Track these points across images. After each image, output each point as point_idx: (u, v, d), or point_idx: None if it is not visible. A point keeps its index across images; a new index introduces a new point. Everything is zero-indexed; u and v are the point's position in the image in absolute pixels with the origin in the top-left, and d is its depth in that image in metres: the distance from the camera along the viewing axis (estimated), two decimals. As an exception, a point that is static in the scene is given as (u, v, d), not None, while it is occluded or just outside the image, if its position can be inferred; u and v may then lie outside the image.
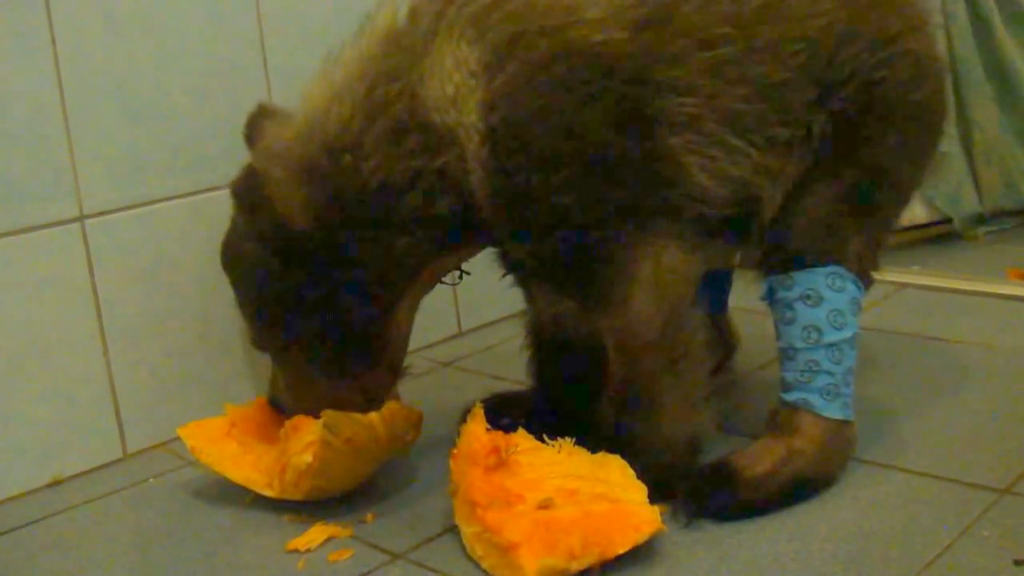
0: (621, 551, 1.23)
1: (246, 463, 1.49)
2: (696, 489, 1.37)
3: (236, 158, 1.47)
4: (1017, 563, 1.20)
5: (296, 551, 1.37)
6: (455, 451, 1.37)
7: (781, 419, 1.40)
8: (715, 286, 1.69)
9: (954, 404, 1.64)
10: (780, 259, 1.39)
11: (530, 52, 1.28)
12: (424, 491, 1.50)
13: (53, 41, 1.58)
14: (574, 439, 1.39)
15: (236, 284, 1.46)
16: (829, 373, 1.38)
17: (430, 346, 2.08)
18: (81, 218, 1.63)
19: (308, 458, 1.39)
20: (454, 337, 2.14)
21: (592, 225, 1.32)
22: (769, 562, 1.25)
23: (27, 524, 1.52)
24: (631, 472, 1.33)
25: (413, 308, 1.49)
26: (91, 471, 1.67)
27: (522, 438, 1.38)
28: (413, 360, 1.96)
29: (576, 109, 1.28)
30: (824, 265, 1.38)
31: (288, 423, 1.45)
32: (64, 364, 1.63)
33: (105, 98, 1.64)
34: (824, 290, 1.37)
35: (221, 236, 1.46)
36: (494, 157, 1.30)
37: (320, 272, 1.37)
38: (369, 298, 1.41)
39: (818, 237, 1.38)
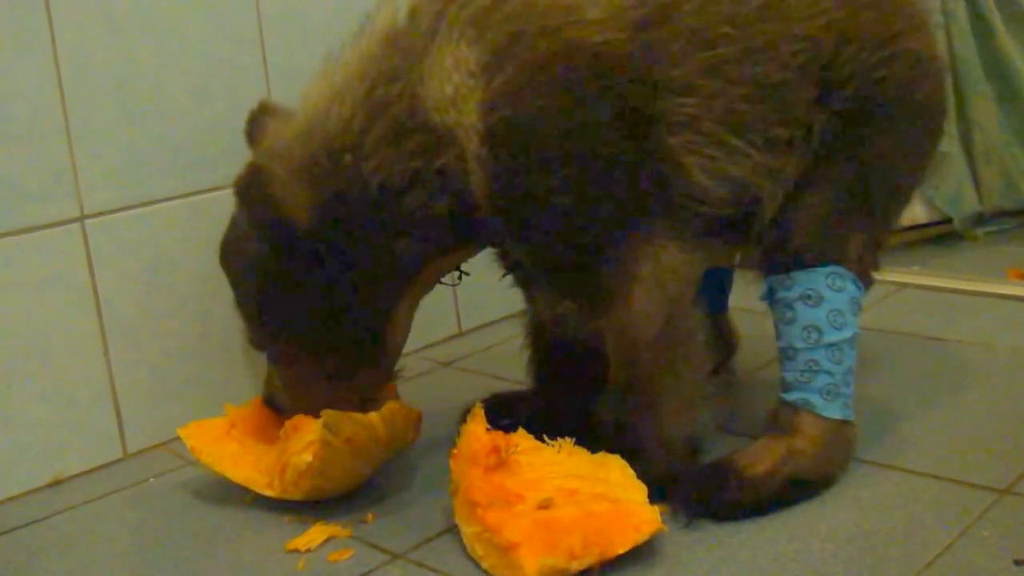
0: (621, 551, 1.23)
1: (246, 463, 1.49)
2: (696, 489, 1.37)
3: (236, 158, 1.47)
4: (1017, 563, 1.20)
5: (296, 551, 1.37)
6: (455, 451, 1.37)
7: (781, 419, 1.40)
8: (715, 286, 1.69)
9: (954, 404, 1.64)
10: (780, 259, 1.39)
11: (529, 52, 1.28)
12: (424, 491, 1.50)
13: (53, 41, 1.58)
14: (574, 439, 1.39)
15: (235, 282, 1.46)
16: (829, 373, 1.38)
17: (430, 346, 2.08)
18: (81, 218, 1.63)
19: (308, 458, 1.39)
20: (454, 337, 2.14)
21: (592, 225, 1.32)
22: (769, 562, 1.25)
23: (27, 524, 1.52)
24: (631, 472, 1.33)
25: (412, 308, 1.49)
26: (91, 471, 1.67)
27: (522, 438, 1.38)
28: (413, 360, 1.98)
29: (576, 109, 1.28)
30: (824, 265, 1.38)
31: (288, 423, 1.45)
32: (64, 364, 1.63)
33: (105, 98, 1.64)
34: (824, 290, 1.37)
35: (221, 236, 1.46)
36: (493, 157, 1.30)
37: (320, 271, 1.37)
38: (369, 298, 1.41)
39: (818, 237, 1.38)
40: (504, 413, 1.55)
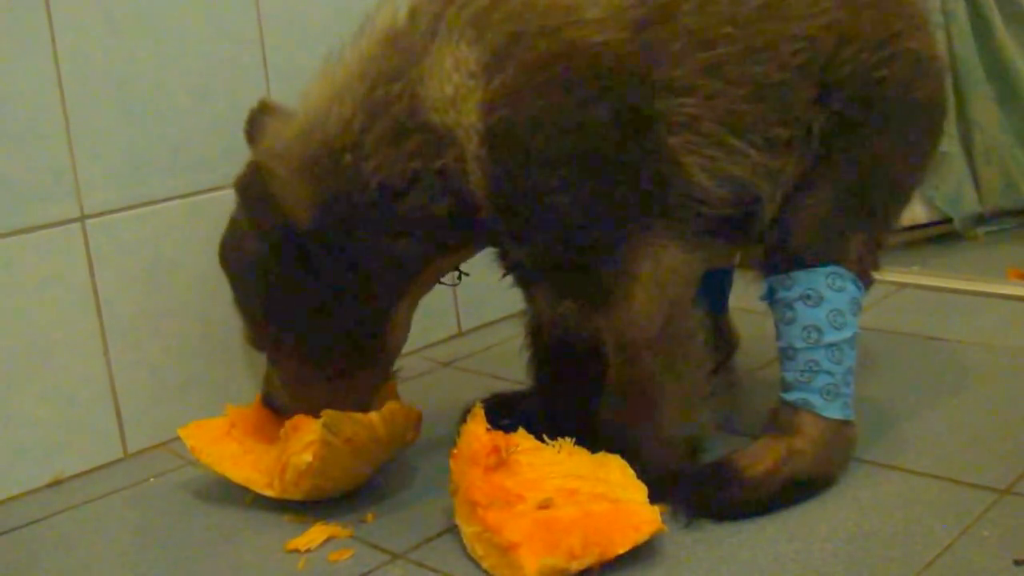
0: (621, 551, 1.23)
1: (246, 463, 1.49)
2: (696, 489, 1.37)
3: (236, 158, 1.47)
4: (1017, 563, 1.20)
5: (296, 551, 1.37)
6: (455, 451, 1.37)
7: (781, 419, 1.40)
8: (715, 286, 1.69)
9: (954, 404, 1.64)
10: (780, 259, 1.39)
11: (529, 53, 1.28)
12: (424, 491, 1.50)
13: (53, 41, 1.58)
14: (574, 439, 1.39)
15: (235, 281, 1.46)
16: (829, 373, 1.38)
17: (430, 346, 2.08)
18: (81, 218, 1.63)
19: (308, 458, 1.39)
20: (454, 337, 2.14)
21: (591, 225, 1.32)
22: (769, 562, 1.25)
23: (27, 524, 1.52)
24: (631, 472, 1.33)
25: (412, 308, 1.49)
26: (91, 471, 1.67)
27: (522, 438, 1.38)
28: (413, 360, 1.98)
29: (575, 109, 1.28)
30: (824, 265, 1.38)
31: (288, 423, 1.45)
32: (64, 364, 1.63)
33: (105, 98, 1.64)
34: (824, 290, 1.37)
35: (221, 236, 1.46)
36: (493, 158, 1.30)
37: (320, 271, 1.37)
38: (369, 298, 1.41)
39: (818, 237, 1.38)
40: (504, 413, 1.55)
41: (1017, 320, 1.99)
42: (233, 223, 1.44)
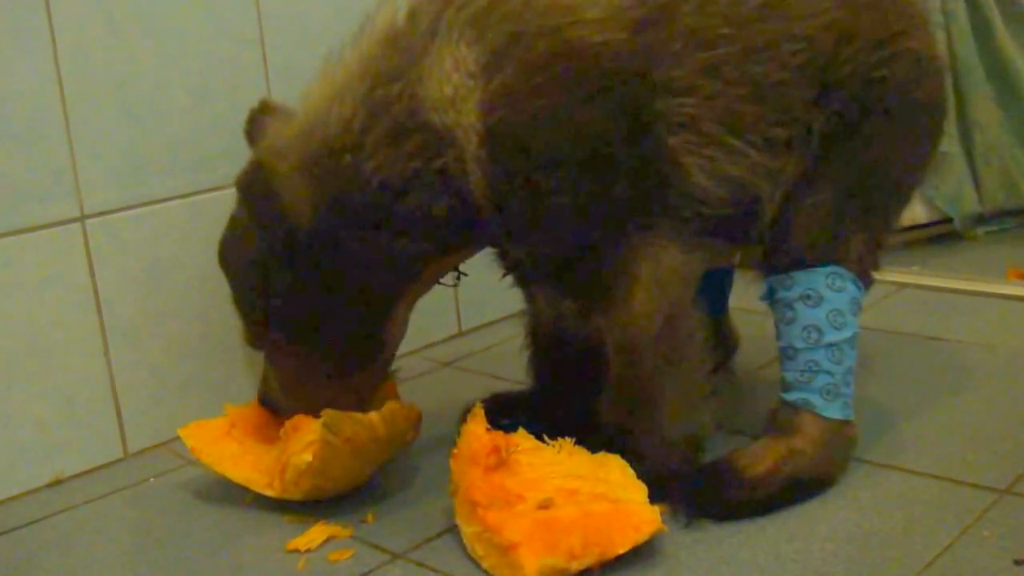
0: (621, 551, 1.23)
1: (246, 463, 1.49)
2: (696, 489, 1.37)
3: (236, 158, 1.47)
4: (1017, 563, 1.21)
5: (296, 551, 1.37)
6: (455, 451, 1.37)
7: (781, 419, 1.40)
8: (715, 286, 1.69)
9: (954, 404, 1.64)
10: (780, 259, 1.39)
11: (529, 53, 1.28)
12: (424, 491, 1.50)
13: (53, 41, 1.58)
14: (574, 439, 1.39)
15: (234, 280, 1.46)
16: (829, 373, 1.38)
17: (430, 346, 2.08)
18: (81, 218, 1.63)
19: (308, 457, 1.39)
20: (454, 337, 2.15)
21: (591, 226, 1.32)
22: (769, 562, 1.25)
23: (27, 524, 1.52)
24: (631, 472, 1.33)
25: (410, 308, 1.49)
26: (91, 471, 1.67)
27: (522, 438, 1.38)
28: (413, 360, 1.98)
29: (575, 110, 1.28)
30: (824, 265, 1.38)
31: (288, 423, 1.45)
32: (64, 364, 1.63)
33: (105, 98, 1.64)
34: (824, 290, 1.37)
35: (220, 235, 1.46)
36: (493, 158, 1.30)
37: (320, 270, 1.37)
38: (369, 297, 1.41)
39: (818, 237, 1.38)
40: (504, 413, 1.55)
41: (1017, 320, 1.99)
42: (233, 222, 1.44)
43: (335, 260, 1.37)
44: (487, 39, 1.30)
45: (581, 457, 1.37)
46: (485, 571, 1.28)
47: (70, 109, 1.60)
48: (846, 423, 1.40)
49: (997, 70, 2.49)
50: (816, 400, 1.38)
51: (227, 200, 1.46)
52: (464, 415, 1.44)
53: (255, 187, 1.39)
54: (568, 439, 1.39)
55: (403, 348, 1.54)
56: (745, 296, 1.60)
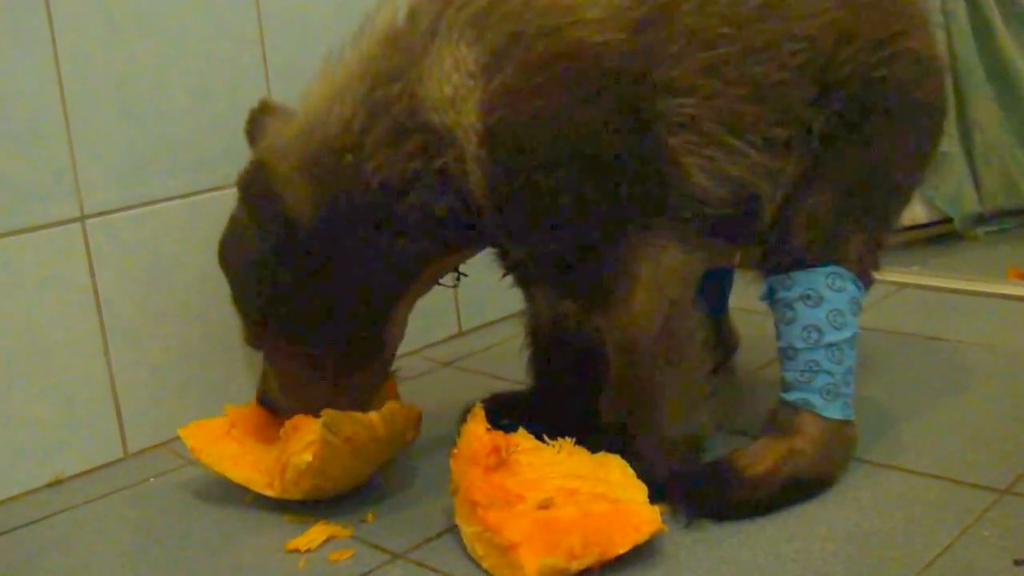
0: (621, 551, 1.23)
1: (246, 463, 1.49)
2: (696, 489, 1.37)
3: (236, 158, 1.47)
4: (1017, 563, 1.21)
5: (296, 551, 1.37)
6: (455, 451, 1.37)
7: (781, 419, 1.40)
8: (715, 286, 1.69)
9: (954, 404, 1.64)
10: (780, 259, 1.39)
11: (528, 53, 1.28)
12: (424, 491, 1.50)
13: (53, 40, 1.58)
14: (574, 439, 1.39)
15: (234, 280, 1.46)
16: (829, 373, 1.38)
17: (430, 346, 2.08)
18: (81, 218, 1.63)
19: (308, 457, 1.39)
20: (454, 337, 2.15)
21: (591, 226, 1.32)
22: (769, 562, 1.25)
23: (27, 524, 1.52)
24: (631, 472, 1.33)
25: (410, 308, 1.49)
26: (91, 471, 1.67)
27: (522, 438, 1.38)
28: (413, 360, 1.98)
29: (574, 110, 1.28)
30: (824, 265, 1.38)
31: (288, 423, 1.45)
32: (64, 364, 1.63)
33: (105, 98, 1.64)
34: (824, 290, 1.37)
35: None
36: (492, 158, 1.30)
37: (320, 270, 1.37)
38: (369, 297, 1.41)
39: (818, 237, 1.38)
40: (504, 413, 1.55)
41: (1017, 320, 1.99)
42: (233, 221, 1.45)
43: (335, 260, 1.37)
44: (487, 39, 1.30)
45: (581, 457, 1.37)
46: (485, 571, 1.28)
47: (70, 109, 1.60)
48: (846, 423, 1.40)
49: (997, 70, 2.49)
50: (816, 400, 1.38)
51: (227, 200, 1.46)
52: (464, 415, 1.44)
53: (255, 187, 1.39)
54: (568, 439, 1.39)
55: (403, 348, 1.54)
56: (745, 296, 1.60)
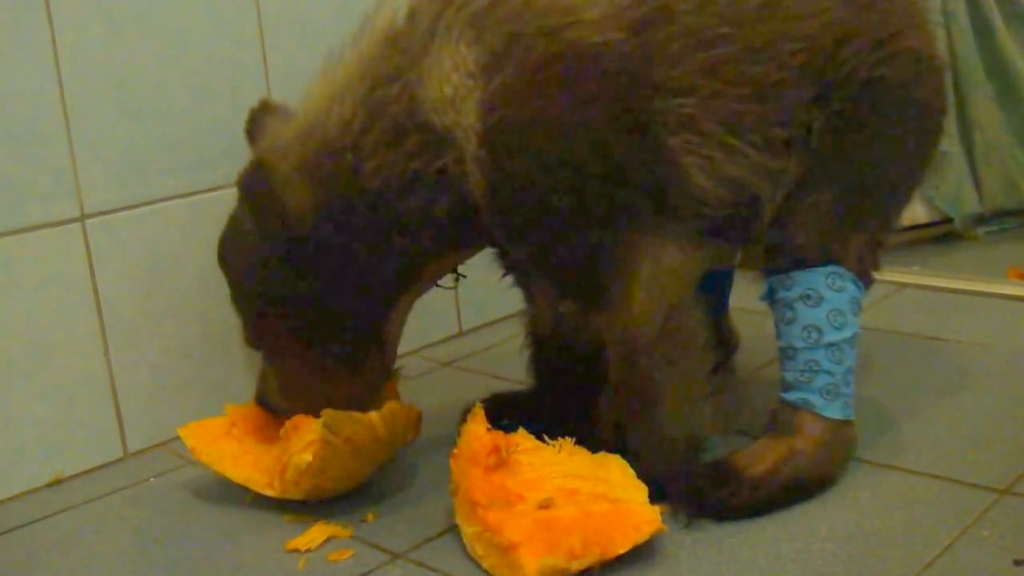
0: (621, 551, 1.23)
1: (246, 463, 1.49)
2: (696, 489, 1.37)
3: (236, 158, 1.47)
4: (1017, 563, 1.20)
5: (296, 551, 1.37)
6: (455, 451, 1.37)
7: (781, 419, 1.40)
8: (715, 286, 1.69)
9: (954, 404, 1.64)
10: (780, 259, 1.39)
11: (528, 53, 1.28)
12: (424, 491, 1.50)
13: (53, 40, 1.58)
14: (574, 439, 1.39)
15: (233, 280, 1.46)
16: (829, 373, 1.38)
17: (430, 346, 2.08)
18: (81, 218, 1.63)
19: (308, 457, 1.39)
20: (454, 337, 2.14)
21: (591, 226, 1.32)
22: (769, 562, 1.25)
23: (27, 524, 1.52)
24: (631, 472, 1.33)
25: (409, 308, 1.49)
26: (91, 471, 1.67)
27: (522, 438, 1.39)
28: (413, 360, 1.98)
29: (574, 110, 1.28)
30: (824, 265, 1.38)
31: (288, 423, 1.45)
32: (64, 364, 1.63)
33: (105, 97, 1.64)
34: (824, 290, 1.37)
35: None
36: (492, 158, 1.30)
37: (320, 270, 1.37)
38: (368, 298, 1.41)
39: (818, 237, 1.38)
40: (504, 413, 1.55)
41: (1017, 320, 1.99)
42: (232, 221, 1.45)
43: (335, 260, 1.37)
44: (486, 40, 1.30)
45: (581, 457, 1.37)
46: (485, 571, 1.28)
47: (70, 109, 1.60)
48: (846, 423, 1.40)
49: (997, 70, 2.49)
50: (816, 400, 1.38)
51: (227, 200, 1.46)
52: (464, 415, 1.44)
53: (255, 187, 1.38)
54: (568, 439, 1.39)
55: (403, 348, 1.54)
56: (745, 296, 1.59)
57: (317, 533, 1.40)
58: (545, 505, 1.28)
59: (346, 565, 1.34)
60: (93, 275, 1.65)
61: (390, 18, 1.37)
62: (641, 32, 1.29)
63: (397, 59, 1.34)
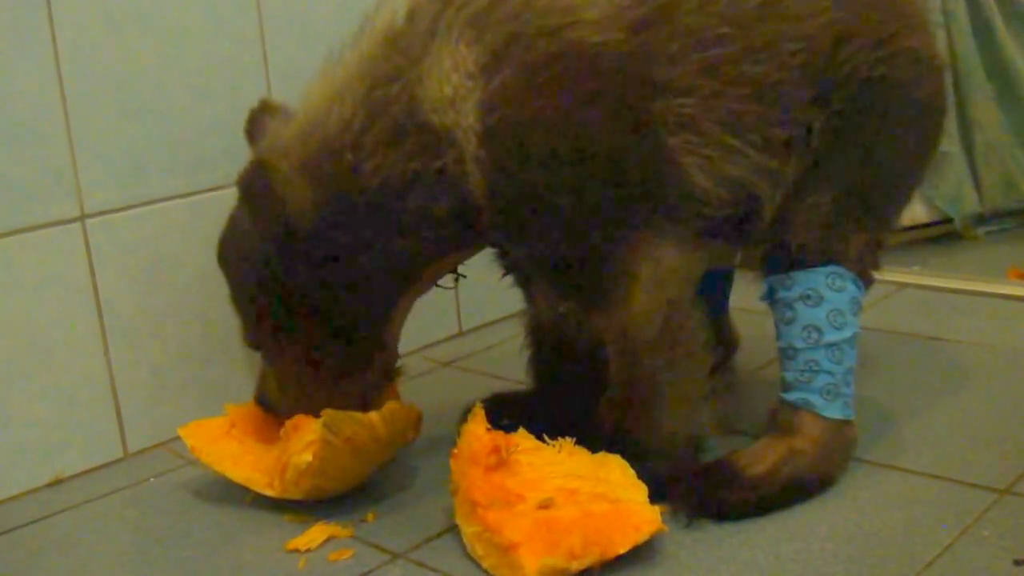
0: (621, 551, 1.23)
1: (246, 462, 1.49)
2: (696, 489, 1.37)
3: (237, 158, 1.47)
4: (1017, 563, 1.21)
5: (296, 551, 1.37)
6: (455, 451, 1.37)
7: (781, 419, 1.40)
8: (715, 286, 1.68)
9: (954, 404, 1.64)
10: (780, 259, 1.39)
11: (528, 53, 1.28)
12: (424, 491, 1.50)
13: (54, 40, 1.58)
14: (574, 439, 1.39)
15: (233, 280, 1.46)
16: (829, 373, 1.38)
17: (430, 346, 2.08)
18: (82, 217, 1.63)
19: (308, 457, 1.39)
20: (454, 337, 2.14)
21: (590, 226, 1.32)
22: (769, 562, 1.25)
23: (28, 524, 1.52)
24: (631, 472, 1.33)
25: (408, 308, 1.49)
26: (91, 471, 1.67)
27: (522, 438, 1.39)
28: (413, 360, 1.98)
29: (574, 110, 1.28)
30: (824, 265, 1.38)
31: (288, 422, 1.45)
32: (64, 364, 1.63)
33: (106, 97, 1.64)
34: (824, 290, 1.37)
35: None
36: (492, 159, 1.30)
37: (320, 270, 1.37)
38: (368, 298, 1.41)
39: (818, 237, 1.38)
40: (504, 413, 1.55)
41: (1017, 320, 1.99)
42: (232, 221, 1.45)
43: (335, 260, 1.37)
44: (486, 40, 1.30)
45: (581, 457, 1.37)
46: (485, 571, 1.28)
47: (70, 109, 1.60)
48: (846, 423, 1.40)
49: (997, 70, 2.49)
50: (816, 400, 1.38)
51: (227, 200, 1.46)
52: (464, 415, 1.44)
53: (255, 186, 1.38)
54: (568, 439, 1.39)
55: (403, 348, 1.54)
56: (745, 296, 1.60)
57: (317, 533, 1.40)
58: (545, 505, 1.28)
59: (346, 565, 1.34)
60: (93, 275, 1.65)
61: (390, 18, 1.37)
62: (641, 32, 1.29)
63: (397, 59, 1.34)
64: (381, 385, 1.51)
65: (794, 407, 1.39)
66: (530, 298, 1.64)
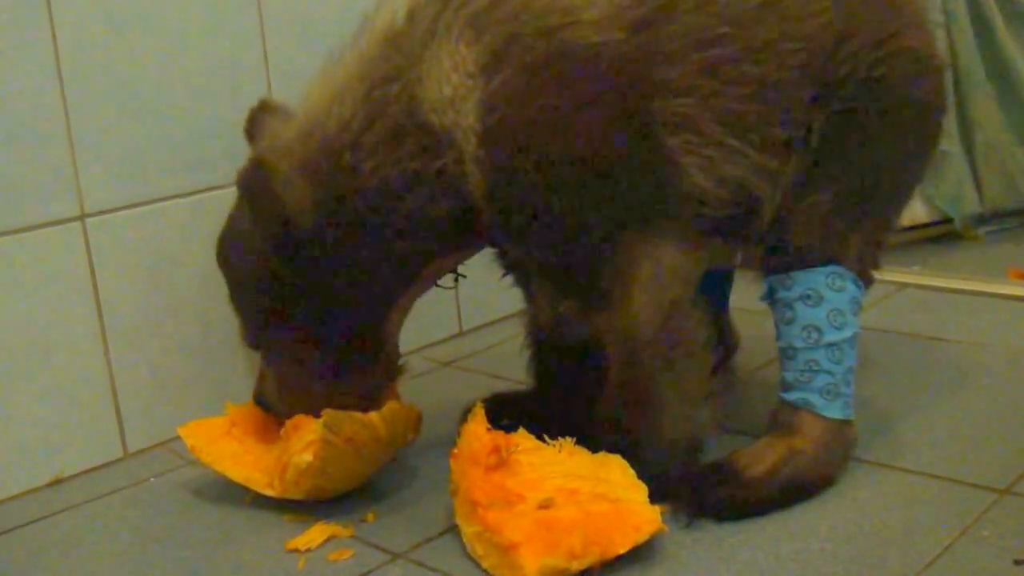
0: (621, 551, 1.23)
1: (246, 462, 1.49)
2: (696, 489, 1.37)
3: (237, 157, 1.47)
4: (1017, 563, 1.21)
5: (296, 551, 1.37)
6: (455, 451, 1.37)
7: (781, 419, 1.40)
8: (715, 286, 1.69)
9: (954, 404, 1.64)
10: (780, 259, 1.39)
11: (527, 53, 1.28)
12: (424, 491, 1.50)
13: (54, 39, 1.58)
14: (574, 439, 1.39)
15: (233, 280, 1.46)
16: (829, 373, 1.38)
17: (430, 346, 2.08)
18: (82, 217, 1.63)
19: (309, 457, 1.39)
20: (454, 337, 2.15)
21: (590, 226, 1.32)
22: (769, 562, 1.25)
23: (28, 524, 1.52)
24: (631, 472, 1.33)
25: (408, 308, 1.49)
26: (91, 471, 1.67)
27: (522, 438, 1.39)
28: (413, 360, 1.97)
29: (573, 110, 1.28)
30: (824, 265, 1.38)
31: (288, 422, 1.45)
32: (64, 364, 1.63)
33: (106, 97, 1.64)
34: (824, 290, 1.37)
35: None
36: (491, 159, 1.30)
37: (319, 270, 1.37)
38: (368, 298, 1.41)
39: (818, 237, 1.38)
40: (504, 413, 1.55)
41: (1017, 320, 1.99)
42: (232, 220, 1.45)
43: (334, 259, 1.37)
44: (486, 40, 1.30)
45: (581, 457, 1.37)
46: (485, 571, 1.28)
47: (71, 108, 1.60)
48: (846, 423, 1.40)
49: (997, 70, 2.49)
50: (816, 400, 1.38)
51: (228, 199, 1.46)
52: (464, 415, 1.44)
53: (255, 186, 1.38)
54: (568, 439, 1.39)
55: (403, 348, 1.54)
56: (745, 296, 1.59)
57: (317, 533, 1.40)
58: (545, 505, 1.28)
59: (346, 565, 1.34)
60: (93, 275, 1.65)
61: (390, 18, 1.37)
62: (641, 32, 1.29)
63: (397, 59, 1.34)
64: (382, 385, 1.51)
65: (794, 407, 1.39)
66: (530, 298, 1.64)
